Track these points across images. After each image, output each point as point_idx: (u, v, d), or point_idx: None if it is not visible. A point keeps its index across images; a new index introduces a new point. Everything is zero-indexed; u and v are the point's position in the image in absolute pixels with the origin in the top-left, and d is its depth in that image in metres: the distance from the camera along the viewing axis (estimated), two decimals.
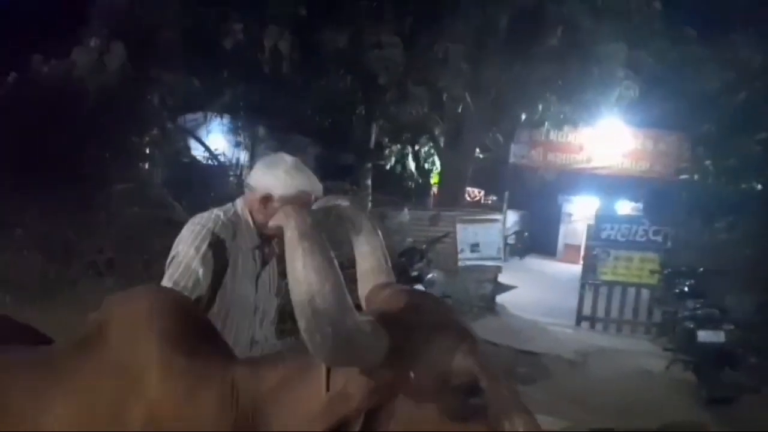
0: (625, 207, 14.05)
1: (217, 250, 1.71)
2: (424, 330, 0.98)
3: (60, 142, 5.55)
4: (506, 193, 8.30)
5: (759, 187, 6.99)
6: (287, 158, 1.84)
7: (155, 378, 0.96)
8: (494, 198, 14.93)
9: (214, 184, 8.55)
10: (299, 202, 1.75)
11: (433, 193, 13.22)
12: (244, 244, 1.81)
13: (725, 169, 6.99)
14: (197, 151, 9.88)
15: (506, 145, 9.20)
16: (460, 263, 7.88)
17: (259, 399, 1.00)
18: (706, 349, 5.42)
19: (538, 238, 16.60)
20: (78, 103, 5.69)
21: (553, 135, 8.55)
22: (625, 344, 7.43)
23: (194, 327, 1.08)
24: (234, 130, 10.97)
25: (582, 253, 13.29)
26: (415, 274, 5.43)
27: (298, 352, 1.10)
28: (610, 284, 8.20)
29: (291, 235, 0.87)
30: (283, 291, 2.08)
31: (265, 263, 1.91)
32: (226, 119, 10.78)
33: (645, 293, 8.00)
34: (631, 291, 8.12)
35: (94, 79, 5.33)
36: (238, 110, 9.40)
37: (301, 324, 0.84)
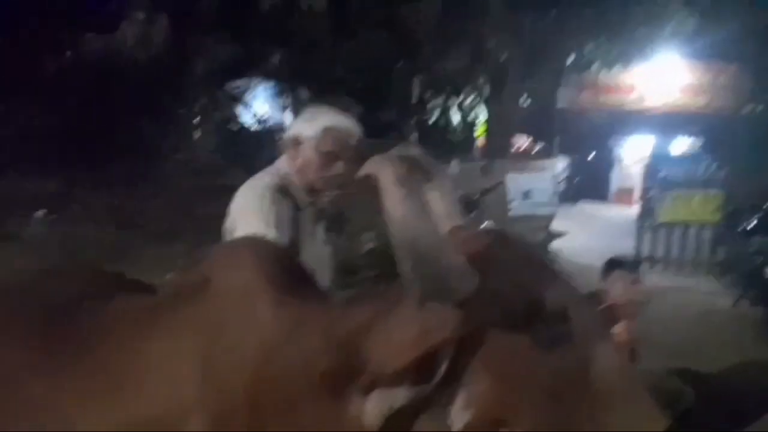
0: (682, 145, 13.44)
1: (283, 218, 1.73)
2: (512, 264, 1.01)
3: (115, 117, 5.75)
4: (557, 139, 8.09)
5: None
6: (315, 105, 1.91)
7: (267, 317, 1.02)
8: (541, 145, 14.60)
9: (263, 148, 8.72)
10: (330, 138, 1.78)
11: (477, 145, 13.03)
12: (300, 204, 1.83)
13: None
14: (244, 118, 10.05)
15: (553, 90, 8.89)
16: (512, 212, 7.80)
17: (354, 335, 1.05)
18: None
19: (589, 183, 16.14)
20: (129, 76, 5.86)
21: (603, 75, 8.18)
22: (688, 284, 7.25)
23: (292, 271, 1.13)
24: (277, 95, 11.04)
25: (635, 195, 12.94)
26: None
27: (384, 291, 1.17)
28: (670, 225, 7.97)
29: (387, 182, 0.90)
30: (339, 244, 2.11)
31: (317, 220, 1.92)
32: (269, 84, 10.85)
33: (706, 232, 7.76)
34: (692, 231, 7.86)
35: (142, 52, 5.46)
36: (280, 74, 9.44)
37: (405, 266, 0.89)
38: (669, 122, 9.84)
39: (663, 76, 8.23)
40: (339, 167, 1.82)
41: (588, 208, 15.10)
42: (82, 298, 1.13)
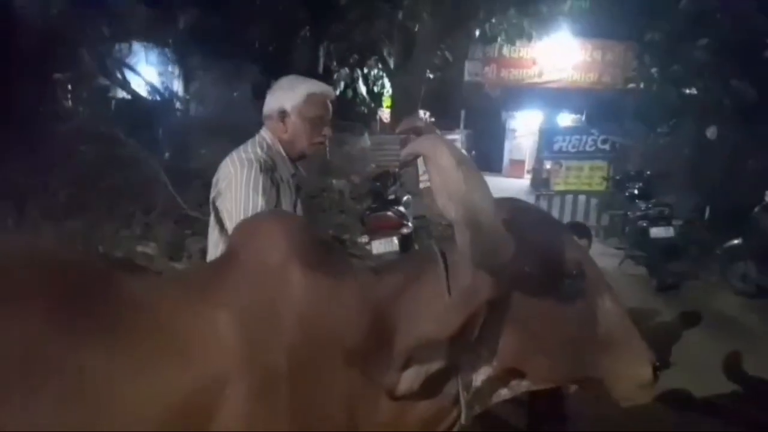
0: (568, 119, 14.53)
1: (269, 187, 1.74)
2: (534, 228, 1.09)
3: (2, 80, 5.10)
4: (462, 112, 8.38)
5: (697, 92, 7.40)
6: (286, 77, 1.90)
7: (300, 290, 1.03)
8: (433, 119, 15.04)
9: (160, 118, 8.17)
10: (314, 104, 1.81)
11: (379, 117, 13.15)
12: (283, 174, 1.84)
13: (669, 76, 7.32)
14: (133, 85, 9.30)
15: (458, 64, 9.17)
16: (421, 185, 8.02)
17: (385, 302, 1.08)
18: (657, 244, 5.92)
19: (483, 156, 17.00)
20: (20, 34, 5.18)
21: (506, 50, 8.59)
22: None
23: (317, 242, 1.14)
24: (170, 61, 10.34)
25: (527, 167, 13.76)
26: (392, 197, 5.50)
27: (409, 260, 1.19)
28: (562, 194, 8.64)
29: (444, 163, 0.92)
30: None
31: (298, 189, 1.94)
32: (161, 49, 10.10)
33: (594, 200, 8.51)
34: (582, 199, 8.60)
35: (36, 10, 4.80)
36: (178, 38, 8.82)
37: (465, 239, 0.93)
38: (561, 97, 10.59)
39: (560, 52, 8.81)
40: (327, 131, 1.86)
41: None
42: (99, 271, 1.04)
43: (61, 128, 5.85)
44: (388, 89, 10.93)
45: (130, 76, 9.09)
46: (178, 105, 8.86)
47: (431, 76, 10.42)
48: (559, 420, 2.68)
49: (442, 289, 1.06)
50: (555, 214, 8.66)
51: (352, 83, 10.98)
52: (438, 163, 0.94)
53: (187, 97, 9.57)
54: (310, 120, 1.81)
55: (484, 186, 0.93)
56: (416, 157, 1.00)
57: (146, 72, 9.85)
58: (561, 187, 8.61)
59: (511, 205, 1.14)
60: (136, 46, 9.88)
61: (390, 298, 1.08)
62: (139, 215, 5.87)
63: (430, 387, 1.04)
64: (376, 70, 10.99)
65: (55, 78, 6.24)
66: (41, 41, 5.33)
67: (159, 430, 0.93)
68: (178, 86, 9.94)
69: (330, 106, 1.85)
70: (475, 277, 1.02)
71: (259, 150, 1.80)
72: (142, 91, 8.97)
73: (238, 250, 1.10)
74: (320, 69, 10.16)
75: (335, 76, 10.82)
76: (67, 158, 5.73)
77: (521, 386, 1.15)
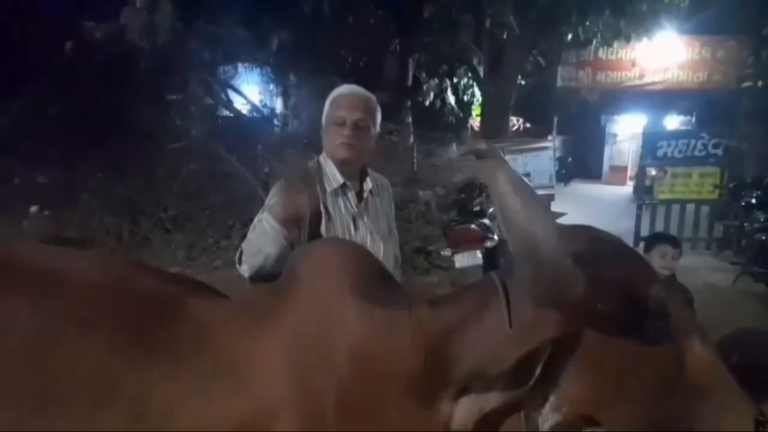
0: (675, 122, 13.47)
1: (297, 201, 1.75)
2: (611, 262, 1.00)
3: (117, 106, 5.70)
4: (555, 119, 8.07)
5: None
6: None
7: (353, 321, 1.03)
8: (528, 125, 14.60)
9: (259, 135, 8.64)
10: (337, 106, 1.81)
11: (471, 126, 12.98)
12: (329, 186, 1.85)
13: None
14: (236, 105, 9.92)
15: (550, 69, 8.84)
16: None
17: (443, 335, 1.04)
18: None
19: (582, 162, 16.23)
20: (131, 64, 5.78)
21: (602, 53, 8.15)
22: (688, 261, 7.31)
23: (374, 272, 1.14)
24: (270, 80, 10.92)
25: (629, 174, 12.94)
26: (476, 209, 5.40)
27: (469, 291, 1.15)
28: (668, 202, 8.01)
29: (503, 189, 0.89)
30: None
31: (361, 201, 1.91)
32: (260, 68, 10.71)
33: (704, 209, 7.81)
34: (690, 208, 7.92)
35: (145, 40, 5.34)
36: (275, 58, 9.32)
37: (527, 272, 0.88)
38: (667, 99, 9.87)
39: (663, 51, 8.22)
40: (347, 131, 1.80)
41: (582, 187, 15.19)
42: (167, 295, 1.12)
43: (172, 147, 6.40)
44: (478, 98, 10.77)
45: (232, 95, 9.71)
46: (276, 122, 9.33)
47: (523, 82, 10.14)
48: None
49: (502, 322, 0.99)
50: (660, 224, 8.06)
51: (440, 93, 10.95)
52: (495, 190, 0.91)
53: (285, 113, 10.05)
54: (333, 124, 1.83)
55: (546, 216, 0.88)
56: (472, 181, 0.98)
57: (247, 91, 10.49)
58: (666, 195, 7.96)
59: (583, 234, 1.06)
60: (238, 68, 10.57)
61: (446, 332, 1.04)
62: (238, 227, 6.25)
63: (488, 427, 1.00)
64: (465, 79, 10.87)
65: (168, 100, 6.83)
66: (153, 68, 5.89)
67: None
68: (276, 104, 10.48)
69: (358, 104, 1.82)
70: (538, 313, 0.96)
71: (307, 164, 1.89)
72: (244, 109, 9.54)
73: (295, 278, 1.12)
74: (409, 81, 10.26)
75: (425, 87, 10.86)
76: (176, 175, 6.26)
77: None
